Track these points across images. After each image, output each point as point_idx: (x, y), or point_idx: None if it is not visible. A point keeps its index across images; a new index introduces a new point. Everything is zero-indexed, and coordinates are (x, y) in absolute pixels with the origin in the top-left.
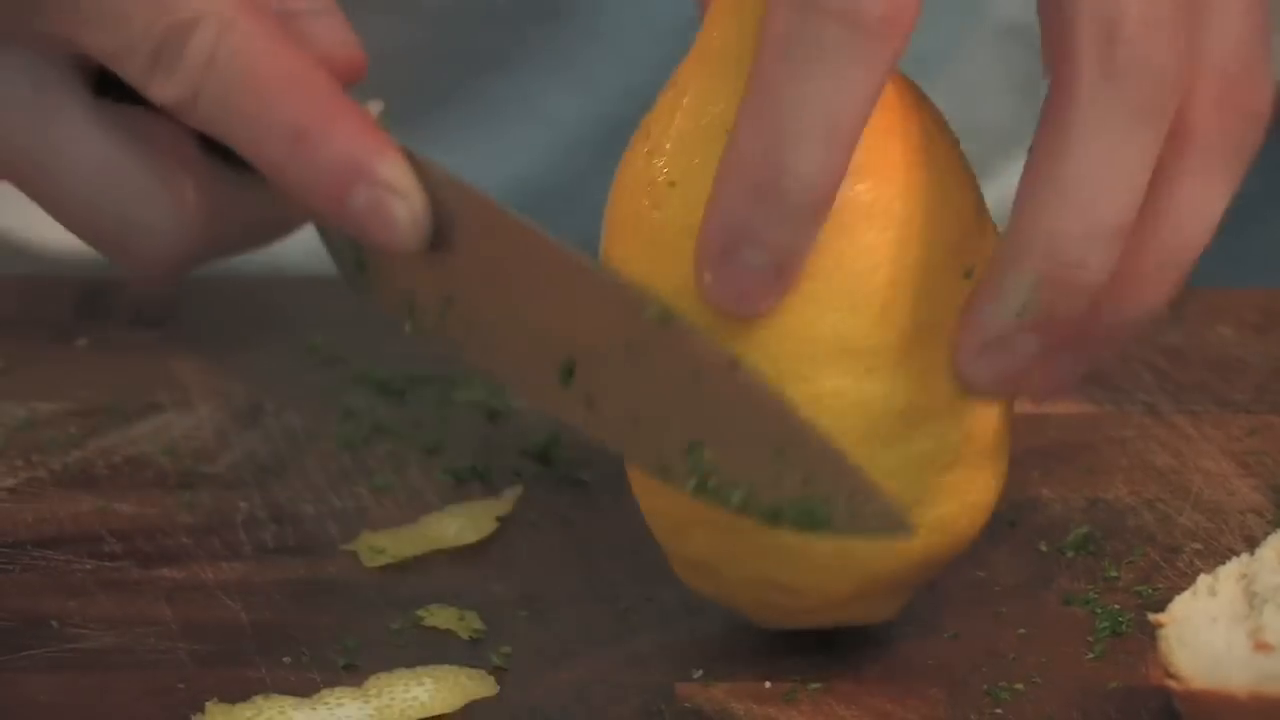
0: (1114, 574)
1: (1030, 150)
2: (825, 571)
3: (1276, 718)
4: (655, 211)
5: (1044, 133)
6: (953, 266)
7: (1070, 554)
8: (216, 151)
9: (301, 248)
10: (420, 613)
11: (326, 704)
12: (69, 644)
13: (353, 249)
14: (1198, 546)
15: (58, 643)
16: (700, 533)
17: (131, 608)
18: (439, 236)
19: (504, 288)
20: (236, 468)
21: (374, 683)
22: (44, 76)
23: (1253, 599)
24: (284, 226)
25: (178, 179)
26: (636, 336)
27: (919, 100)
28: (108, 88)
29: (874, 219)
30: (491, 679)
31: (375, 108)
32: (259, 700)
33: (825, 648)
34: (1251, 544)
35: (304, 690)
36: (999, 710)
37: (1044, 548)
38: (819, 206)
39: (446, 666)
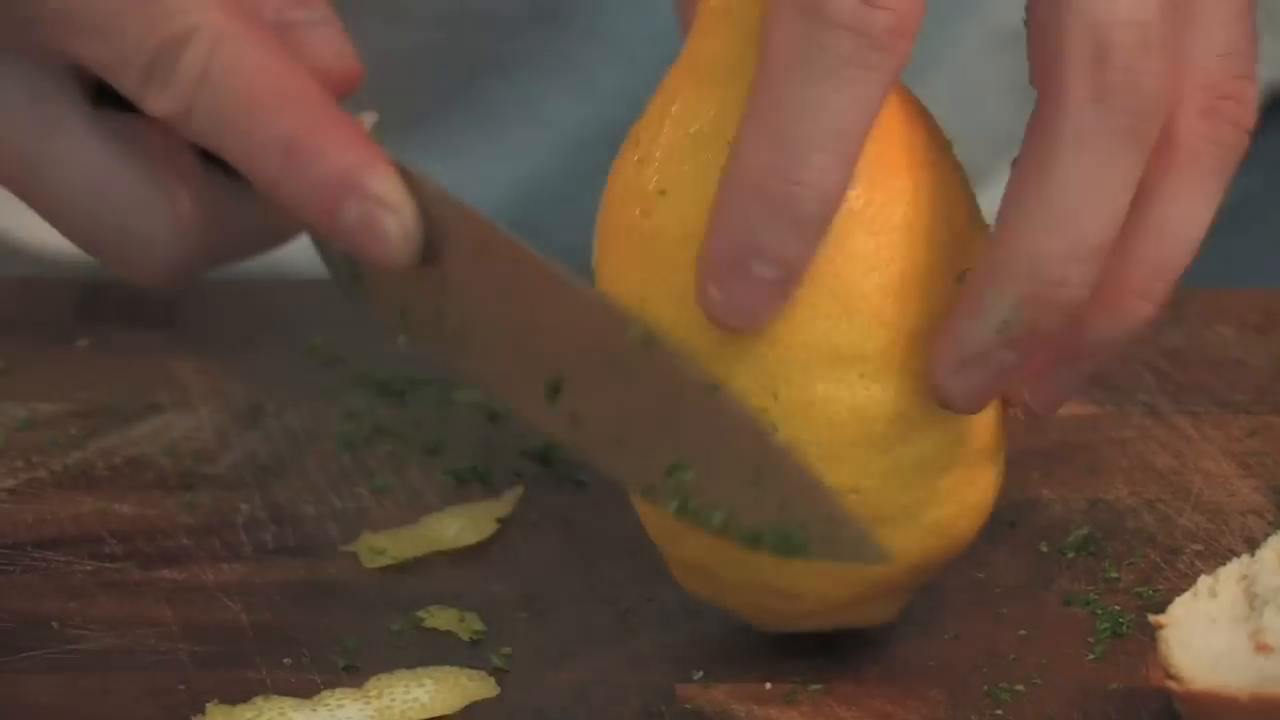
0: (1114, 575)
1: (1014, 165)
2: (824, 576)
3: (1277, 719)
4: (646, 220)
5: (1029, 150)
6: (946, 271)
7: (1071, 555)
8: (214, 161)
9: (302, 250)
10: (421, 614)
11: (327, 705)
12: (69, 645)
13: (347, 261)
14: (1198, 548)
15: (58, 644)
16: (697, 538)
17: (132, 609)
18: (430, 250)
19: (493, 303)
20: (237, 469)
21: (374, 684)
22: (42, 86)
23: (1253, 600)
24: (281, 235)
25: (175, 188)
26: (619, 357)
27: (912, 105)
28: (106, 97)
29: (867, 224)
30: (492, 680)
31: (369, 120)
32: (259, 701)
33: (826, 649)
34: (1252, 545)
35: (304, 691)
36: (999, 711)
37: (1044, 549)
38: (826, 217)
39: (447, 668)
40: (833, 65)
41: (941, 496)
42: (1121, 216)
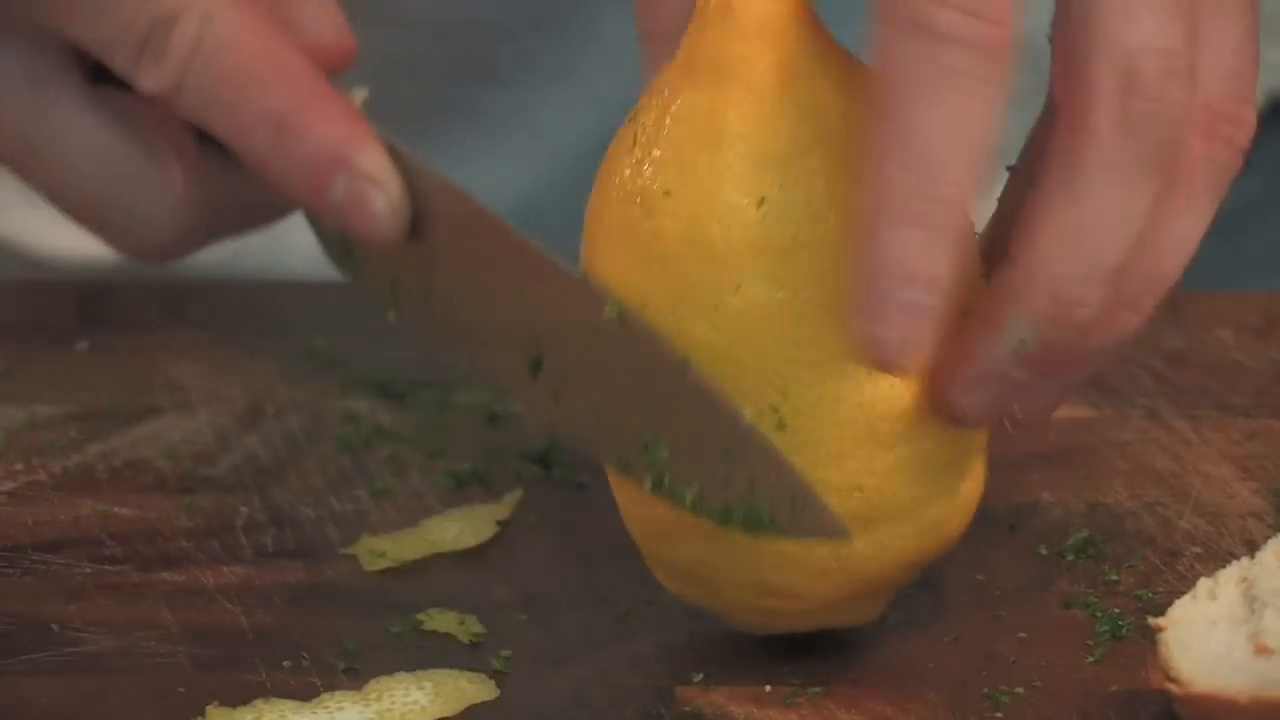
0: (1114, 578)
1: (1036, 186)
2: (820, 575)
3: None
4: (648, 220)
5: (1053, 173)
6: None
7: (1070, 557)
8: (209, 138)
9: (301, 252)
10: (420, 616)
11: (327, 708)
12: (69, 648)
13: (339, 236)
14: (1198, 550)
15: (58, 646)
16: (692, 541)
17: (132, 611)
18: (418, 226)
19: (478, 279)
20: (236, 471)
21: (374, 686)
22: (38, 66)
23: (1253, 603)
24: (275, 211)
25: (170, 164)
26: (597, 334)
27: None
28: (102, 76)
29: None
30: (492, 682)
31: (359, 96)
32: (259, 704)
33: (825, 652)
34: (1251, 548)
35: (304, 694)
36: (999, 714)
37: (1044, 551)
38: (966, 230)
39: (447, 670)
40: (955, 81)
41: (938, 494)
42: (1138, 237)
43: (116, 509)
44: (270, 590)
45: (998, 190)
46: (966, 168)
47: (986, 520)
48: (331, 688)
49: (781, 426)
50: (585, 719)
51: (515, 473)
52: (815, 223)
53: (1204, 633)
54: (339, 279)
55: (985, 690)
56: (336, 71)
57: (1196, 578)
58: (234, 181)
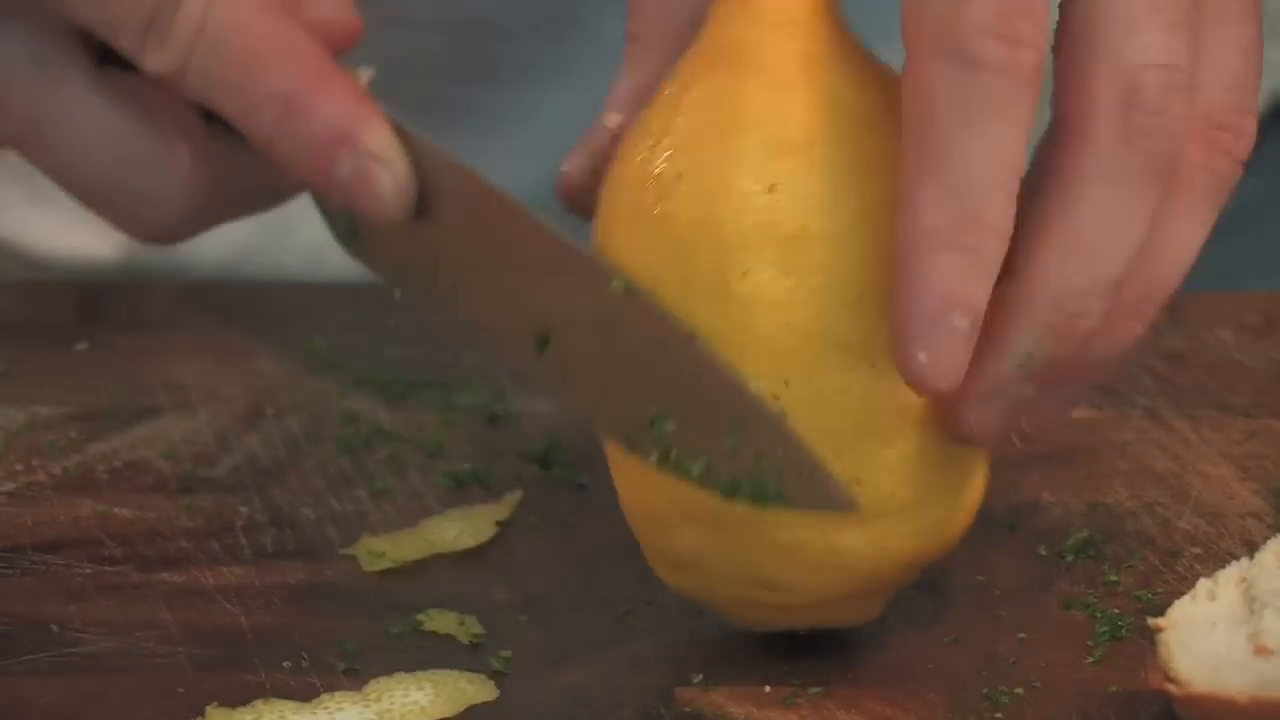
0: (1114, 578)
1: (1035, 199)
2: (816, 570)
3: None
4: (660, 205)
5: (1053, 186)
6: None
7: (1070, 558)
8: (216, 119)
9: (302, 252)
10: (420, 617)
11: (326, 708)
12: (69, 648)
13: (346, 215)
14: (1197, 550)
15: (57, 647)
16: (688, 529)
17: (131, 612)
18: (424, 205)
19: (485, 257)
20: (236, 472)
21: (374, 687)
22: (44, 48)
23: (1252, 603)
24: (281, 193)
25: (176, 145)
26: (603, 308)
27: None
28: (109, 57)
29: (886, 213)
30: (491, 683)
31: (365, 75)
32: (259, 704)
33: (825, 652)
34: (1251, 548)
35: (304, 694)
36: (998, 714)
37: (1044, 551)
38: (1003, 254)
39: (446, 671)
40: (996, 109)
41: (937, 495)
42: (1138, 249)
43: (116, 509)
44: (270, 591)
45: None
46: (1006, 193)
47: (986, 520)
48: (331, 688)
49: (782, 415)
50: (585, 719)
51: (515, 473)
52: (825, 213)
53: (1203, 633)
54: (339, 279)
55: (985, 690)
56: (342, 51)
57: (1196, 578)
58: (240, 162)
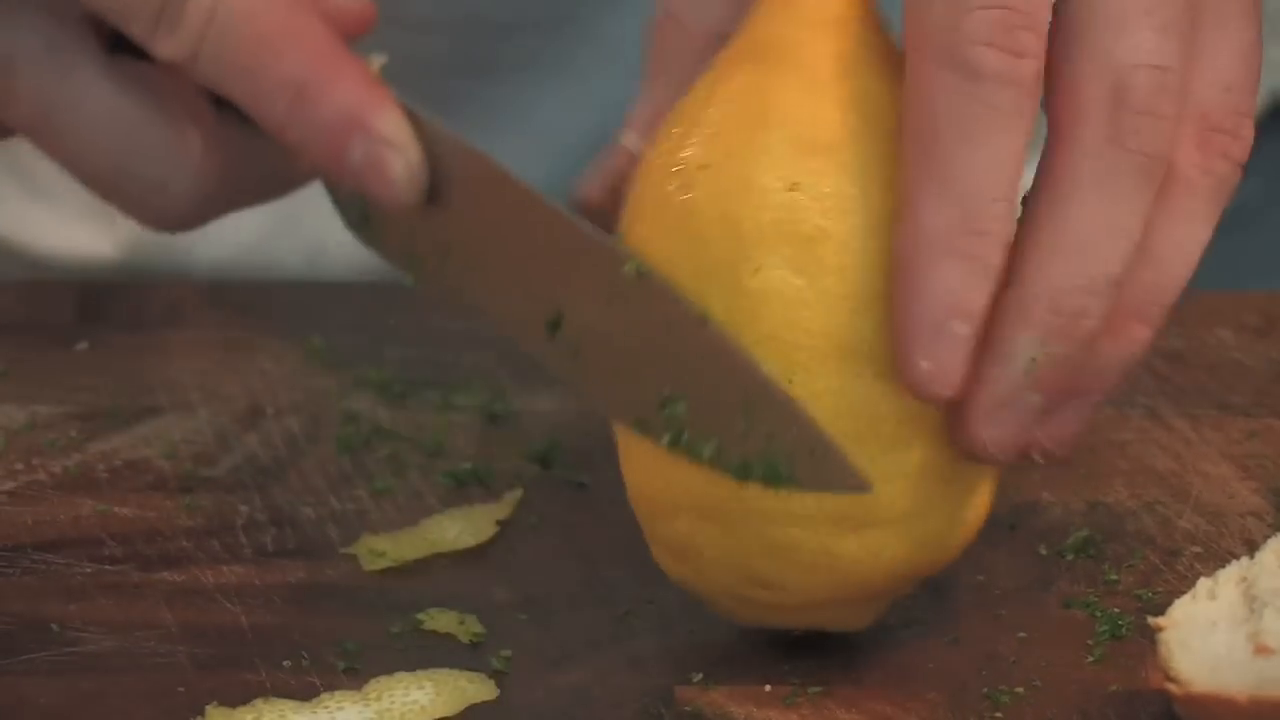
0: (1114, 577)
1: (1027, 202)
2: (810, 572)
3: None
4: (683, 193)
5: (1045, 189)
6: None
7: (1070, 557)
8: (228, 106)
9: (301, 252)
10: (420, 616)
11: (326, 707)
12: (69, 647)
13: (357, 201)
14: (1197, 550)
15: (58, 646)
16: (685, 517)
17: (132, 611)
18: (436, 190)
19: (497, 241)
20: (237, 471)
21: (374, 686)
22: (56, 34)
23: (1252, 602)
24: (292, 181)
25: (188, 132)
26: (615, 291)
27: None
28: (121, 44)
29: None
30: (491, 682)
31: (377, 61)
32: (259, 704)
33: (825, 651)
34: (1251, 547)
35: (304, 694)
36: (999, 714)
37: (1044, 551)
38: (1004, 262)
39: (446, 670)
40: (996, 118)
41: (935, 508)
42: (1134, 248)
43: (116, 509)
44: (270, 590)
45: None
46: (1006, 201)
47: (987, 520)
48: (331, 687)
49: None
50: (585, 719)
51: (515, 473)
52: (844, 215)
53: (1204, 632)
54: (339, 279)
55: (985, 690)
56: (356, 37)
57: (1196, 577)
58: (252, 149)
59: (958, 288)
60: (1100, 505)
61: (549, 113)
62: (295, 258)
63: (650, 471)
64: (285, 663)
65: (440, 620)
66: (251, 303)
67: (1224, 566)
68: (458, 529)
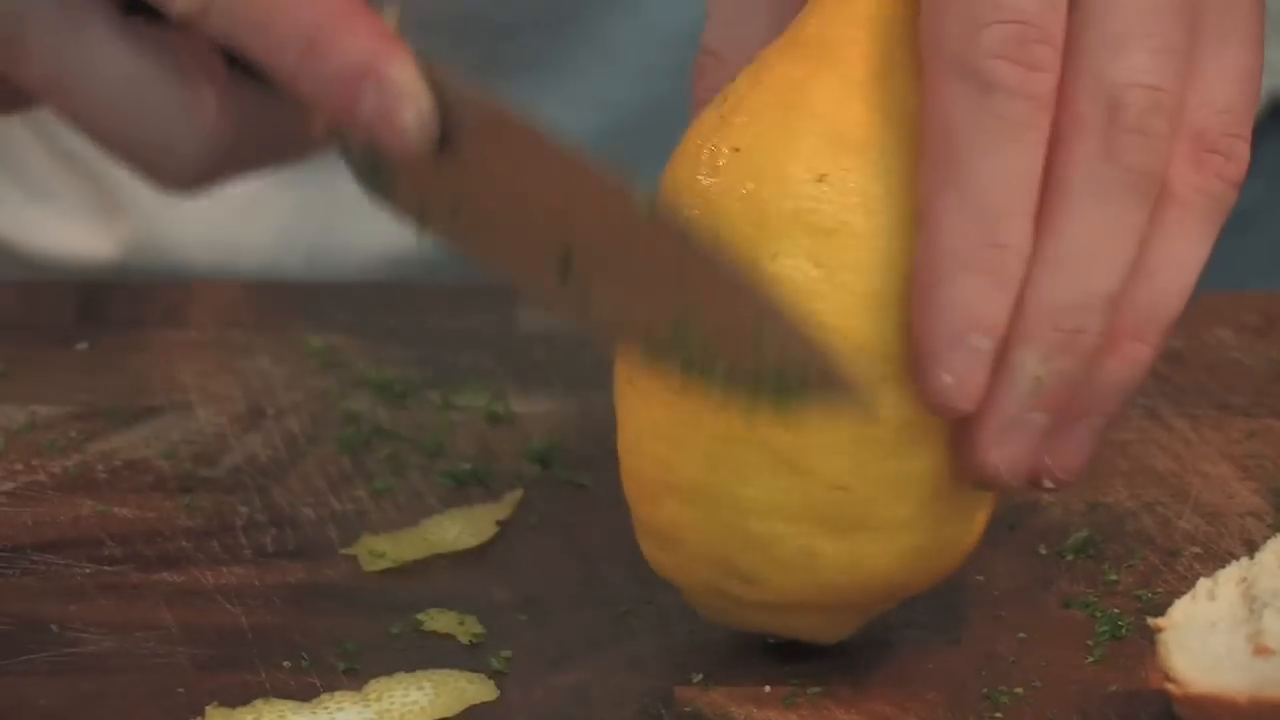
0: (1113, 578)
1: None
2: (787, 569)
3: None
4: (713, 176)
5: (1042, 203)
6: None
7: (1070, 557)
8: (241, 67)
9: (301, 252)
10: (420, 617)
11: (326, 708)
12: (69, 648)
13: (369, 154)
14: (1197, 550)
15: (57, 647)
16: (671, 501)
17: (131, 612)
18: (447, 139)
19: (509, 186)
20: (236, 471)
21: (374, 687)
22: None
23: (1252, 603)
24: (306, 146)
25: (201, 92)
26: (628, 226)
27: None
28: (134, 5)
29: (912, 228)
30: (491, 683)
31: (392, 14)
32: (259, 704)
33: (824, 652)
34: (1251, 547)
35: (304, 694)
36: (998, 714)
37: (1043, 551)
38: (1023, 276)
39: (446, 671)
40: (1010, 131)
41: (924, 522)
42: (1129, 265)
43: (116, 509)
44: (270, 590)
45: None
46: (1023, 214)
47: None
48: (331, 688)
49: (805, 320)
50: (585, 719)
51: (515, 473)
52: (867, 213)
53: (1203, 633)
54: (339, 279)
55: (985, 690)
56: None
57: (1196, 578)
58: (265, 110)
59: (976, 301)
60: (1100, 505)
61: (549, 113)
62: (295, 258)
63: (640, 453)
64: (285, 663)
65: (440, 621)
66: (251, 303)
67: (1224, 567)
68: (458, 529)
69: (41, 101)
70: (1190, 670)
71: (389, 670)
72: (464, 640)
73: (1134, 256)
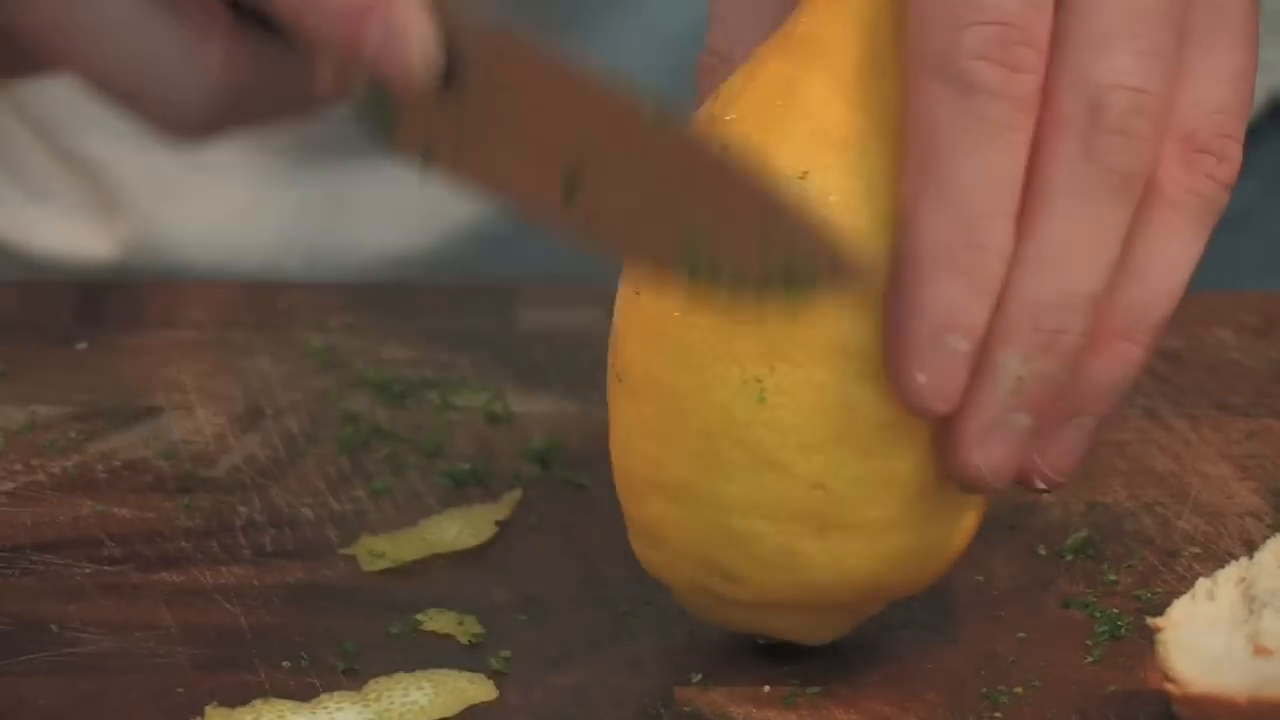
0: (1113, 578)
1: None
2: (768, 567)
3: None
4: None
5: (1024, 203)
6: None
7: (1069, 558)
8: (247, 17)
9: (302, 253)
10: (419, 617)
11: (326, 708)
12: (68, 648)
13: (373, 94)
14: (1196, 550)
15: (57, 647)
16: (658, 499)
17: (131, 612)
18: (453, 71)
19: (515, 113)
20: (236, 471)
21: (373, 687)
22: None
23: (1251, 603)
24: (308, 101)
25: (207, 38)
26: (636, 138)
27: None
28: None
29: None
30: (490, 683)
31: None
32: (258, 704)
33: (824, 652)
34: (1250, 547)
35: (303, 694)
36: (998, 714)
37: (1043, 551)
38: (1003, 277)
39: (446, 671)
40: (991, 131)
41: (905, 522)
42: (1112, 265)
43: (116, 509)
44: (269, 590)
45: None
46: (1004, 216)
47: (986, 520)
48: (330, 688)
49: (761, 400)
50: (584, 719)
51: (514, 473)
52: (848, 213)
53: (1203, 633)
54: (339, 279)
55: (984, 690)
56: None
57: (1195, 578)
58: (270, 62)
59: (955, 302)
60: (1099, 506)
61: None
62: (295, 258)
63: (630, 450)
64: (284, 663)
65: (439, 621)
66: (251, 303)
67: (1223, 567)
68: (457, 529)
69: (46, 51)
70: (1189, 670)
71: (388, 670)
72: (463, 640)
73: (1116, 256)
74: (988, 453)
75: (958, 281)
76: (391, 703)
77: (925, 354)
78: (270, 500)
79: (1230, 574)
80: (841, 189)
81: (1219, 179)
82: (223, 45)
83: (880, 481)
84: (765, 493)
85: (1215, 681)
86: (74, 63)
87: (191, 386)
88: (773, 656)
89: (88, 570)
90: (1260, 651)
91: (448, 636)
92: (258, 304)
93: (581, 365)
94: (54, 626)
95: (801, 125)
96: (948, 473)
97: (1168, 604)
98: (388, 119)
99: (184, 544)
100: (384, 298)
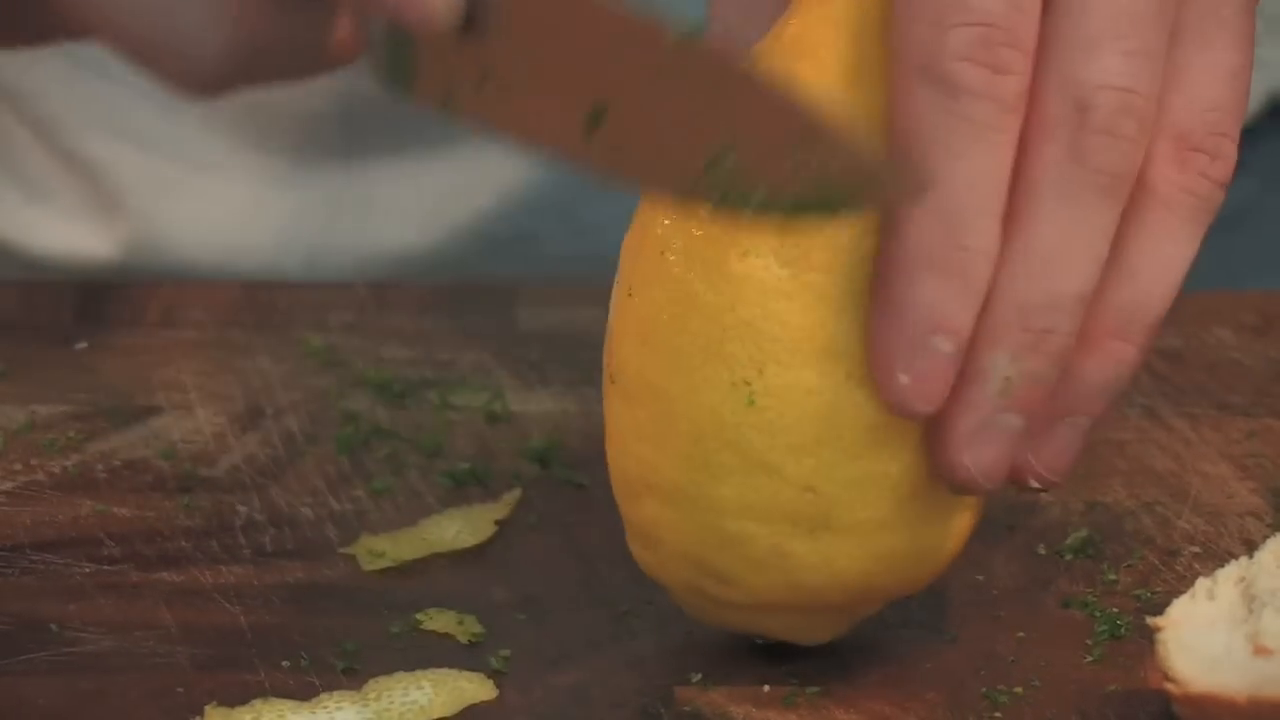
0: (1112, 577)
1: None
2: (760, 569)
3: None
4: None
5: (1011, 204)
6: None
7: (1069, 557)
8: None
9: (301, 253)
10: (419, 616)
11: (325, 708)
12: (68, 647)
13: (393, 41)
14: (1196, 550)
15: (56, 646)
16: (651, 499)
17: (130, 611)
18: (474, 13)
19: (538, 51)
20: (235, 471)
21: (373, 686)
22: None
23: (1251, 602)
24: (324, 58)
25: None
26: (660, 63)
27: None
28: None
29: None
30: (490, 682)
31: None
32: (258, 704)
33: (824, 651)
34: (1250, 547)
35: (303, 694)
36: (997, 714)
37: (1042, 551)
38: (989, 278)
39: (445, 670)
40: (976, 133)
41: (897, 524)
42: (1099, 265)
43: (115, 509)
44: (269, 590)
45: None
46: (989, 217)
47: (985, 520)
48: (330, 688)
49: (750, 403)
50: (584, 719)
51: (514, 472)
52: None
53: (1202, 632)
54: (339, 279)
55: (984, 690)
56: None
57: (1195, 577)
58: (288, 15)
59: (940, 303)
60: (1099, 505)
61: None
62: (295, 258)
63: (625, 452)
64: (284, 663)
65: (439, 620)
66: (251, 302)
67: (1223, 566)
68: (456, 529)
69: (64, 5)
70: (1189, 670)
71: (388, 670)
72: (463, 640)
73: (1104, 256)
74: (977, 453)
75: (943, 283)
76: (391, 702)
77: (909, 355)
78: (270, 500)
79: (1230, 573)
80: None
81: (1213, 177)
82: (240, 1)
83: (871, 483)
84: (756, 495)
85: (1215, 681)
86: (91, 16)
87: (191, 386)
88: (772, 656)
89: (87, 570)
90: (1260, 651)
91: (447, 636)
92: (258, 304)
93: (581, 365)
94: (54, 626)
95: None
96: (938, 473)
97: (1168, 603)
98: (408, 66)
99: (184, 543)
100: (384, 298)
